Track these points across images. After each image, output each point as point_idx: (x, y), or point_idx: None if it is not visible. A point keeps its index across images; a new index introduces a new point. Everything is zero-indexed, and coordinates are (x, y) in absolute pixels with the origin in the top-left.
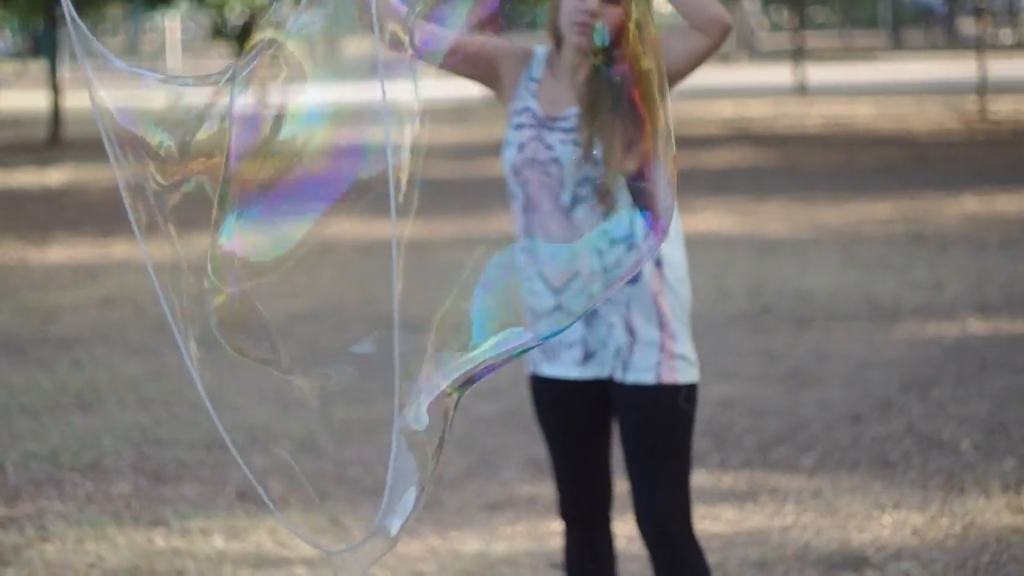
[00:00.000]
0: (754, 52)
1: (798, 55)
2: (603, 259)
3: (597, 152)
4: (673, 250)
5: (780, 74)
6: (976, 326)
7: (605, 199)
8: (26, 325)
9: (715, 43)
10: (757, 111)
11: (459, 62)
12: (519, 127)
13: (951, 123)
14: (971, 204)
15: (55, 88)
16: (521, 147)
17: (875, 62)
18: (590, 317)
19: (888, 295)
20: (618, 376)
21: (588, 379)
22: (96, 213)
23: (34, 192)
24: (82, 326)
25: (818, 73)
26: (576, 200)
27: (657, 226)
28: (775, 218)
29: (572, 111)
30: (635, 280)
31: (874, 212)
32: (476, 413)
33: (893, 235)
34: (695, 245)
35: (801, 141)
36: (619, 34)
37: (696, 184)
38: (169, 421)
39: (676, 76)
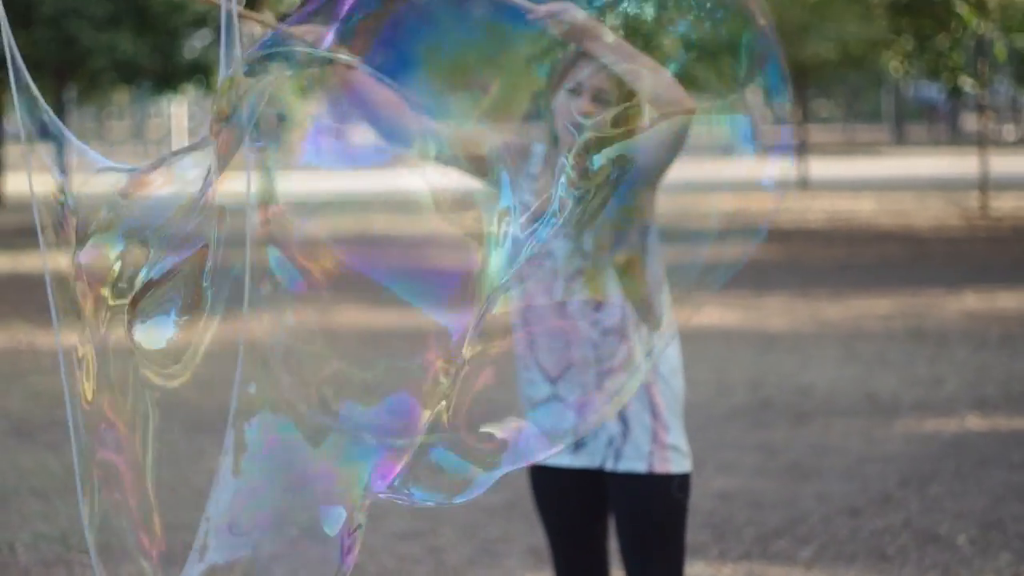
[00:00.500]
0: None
1: (800, 149)
2: (597, 350)
3: (587, 245)
4: (665, 343)
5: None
6: (974, 422)
7: (596, 291)
8: (36, 409)
9: (679, 127)
10: (759, 205)
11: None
12: (515, 220)
13: (952, 219)
14: (971, 300)
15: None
16: (517, 240)
17: (878, 157)
18: (583, 407)
19: (888, 390)
20: (609, 465)
21: (580, 468)
22: None
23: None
24: None
25: (821, 167)
26: (569, 292)
27: (650, 317)
28: (776, 312)
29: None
30: (629, 371)
31: (875, 307)
32: (479, 502)
33: (893, 331)
34: (695, 339)
35: (803, 235)
36: (609, 133)
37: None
38: (177, 504)
39: (656, 165)
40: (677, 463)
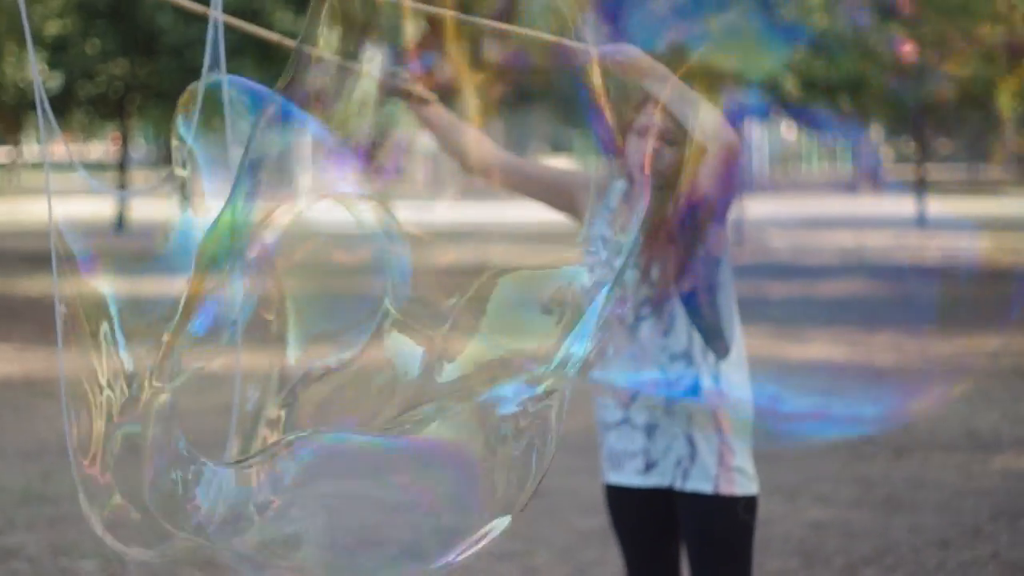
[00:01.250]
0: (879, 183)
1: (919, 187)
2: (665, 374)
3: (654, 274)
4: (733, 371)
5: (903, 205)
6: None
7: (663, 318)
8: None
9: (724, 161)
10: (876, 242)
11: (537, 189)
12: (594, 251)
13: None
14: None
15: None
16: (593, 269)
17: (999, 196)
18: (652, 428)
19: (989, 427)
20: (678, 485)
21: (651, 487)
22: None
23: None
24: None
25: (940, 205)
26: (639, 318)
27: (718, 345)
28: (884, 348)
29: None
30: (696, 395)
31: (983, 345)
32: (576, 526)
33: (1000, 368)
34: (802, 372)
35: (917, 273)
36: (675, 171)
37: (808, 313)
38: None
39: (716, 200)
40: (742, 485)
